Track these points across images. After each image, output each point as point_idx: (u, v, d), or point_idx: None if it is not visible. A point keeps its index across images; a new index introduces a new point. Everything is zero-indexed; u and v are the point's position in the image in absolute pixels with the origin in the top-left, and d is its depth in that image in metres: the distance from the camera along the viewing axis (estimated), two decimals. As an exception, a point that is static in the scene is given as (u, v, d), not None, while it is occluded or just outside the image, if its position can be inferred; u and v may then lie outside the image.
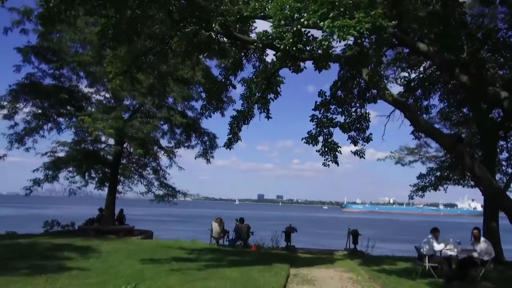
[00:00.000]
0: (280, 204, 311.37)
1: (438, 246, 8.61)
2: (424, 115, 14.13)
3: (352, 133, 11.61)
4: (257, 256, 11.35)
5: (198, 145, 20.06)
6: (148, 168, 19.25)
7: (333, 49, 8.69)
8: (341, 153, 10.92)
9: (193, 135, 19.80)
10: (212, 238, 13.75)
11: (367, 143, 11.51)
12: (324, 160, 11.08)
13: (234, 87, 11.18)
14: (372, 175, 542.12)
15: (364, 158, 11.63)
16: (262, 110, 11.84)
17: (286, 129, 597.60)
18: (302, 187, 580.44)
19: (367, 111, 11.50)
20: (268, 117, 11.80)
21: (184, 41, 9.10)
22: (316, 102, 10.80)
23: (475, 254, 8.27)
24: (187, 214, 74.70)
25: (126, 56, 9.74)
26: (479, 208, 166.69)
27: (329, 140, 11.08)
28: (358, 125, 11.50)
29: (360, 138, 11.53)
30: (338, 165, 11.03)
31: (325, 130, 11.09)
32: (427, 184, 14.04)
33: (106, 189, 17.93)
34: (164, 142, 19.28)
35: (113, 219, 17.67)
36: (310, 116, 10.65)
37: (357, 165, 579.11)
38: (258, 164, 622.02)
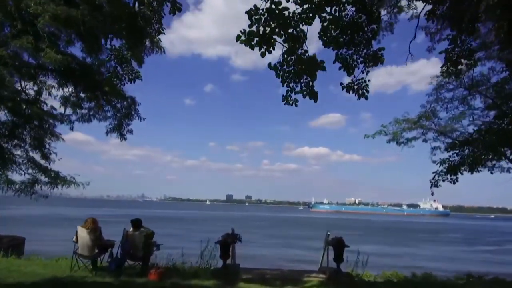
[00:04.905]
0: (247, 204, 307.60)
1: None
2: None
3: (344, 50, 5.76)
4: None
5: (110, 112, 13.63)
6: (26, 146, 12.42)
7: None
8: (325, 69, 4.98)
9: (102, 98, 13.25)
10: (76, 256, 7.29)
11: (375, 65, 5.70)
12: (287, 91, 5.08)
13: None
14: (339, 176, 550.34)
15: (366, 98, 5.80)
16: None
17: (257, 130, 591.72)
18: (271, 188, 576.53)
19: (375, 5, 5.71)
20: (174, 9, 5.72)
21: None
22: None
23: None
24: (145, 215, 66.75)
25: None
26: (441, 208, 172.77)
27: (299, 51, 5.10)
28: (357, 35, 5.66)
29: (360, 58, 5.72)
30: (316, 101, 5.08)
31: (291, 30, 5.11)
32: (461, 160, 8.48)
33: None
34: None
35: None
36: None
37: (325, 166, 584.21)
38: (229, 164, 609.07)
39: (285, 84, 5.02)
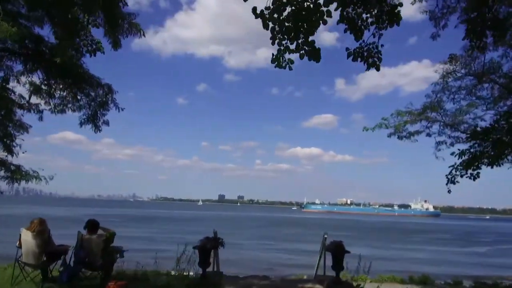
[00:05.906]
0: (239, 204, 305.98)
1: None
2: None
3: (350, 8, 4.54)
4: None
5: (84, 101, 12.21)
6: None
7: None
8: (330, 16, 3.76)
9: (75, 85, 11.81)
10: (20, 265, 5.96)
11: (391, 26, 4.50)
12: (278, 50, 3.86)
13: None
14: (331, 176, 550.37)
15: (378, 68, 4.62)
16: None
17: (250, 130, 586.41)
18: (264, 188, 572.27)
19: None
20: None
21: None
22: None
23: None
24: (136, 215, 65.08)
25: None
26: (431, 208, 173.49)
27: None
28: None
29: (370, 18, 4.52)
30: (318, 61, 3.81)
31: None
32: (481, 152, 7.33)
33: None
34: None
35: None
36: None
37: (317, 167, 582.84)
38: (221, 164, 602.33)
39: (276, 41, 3.79)
